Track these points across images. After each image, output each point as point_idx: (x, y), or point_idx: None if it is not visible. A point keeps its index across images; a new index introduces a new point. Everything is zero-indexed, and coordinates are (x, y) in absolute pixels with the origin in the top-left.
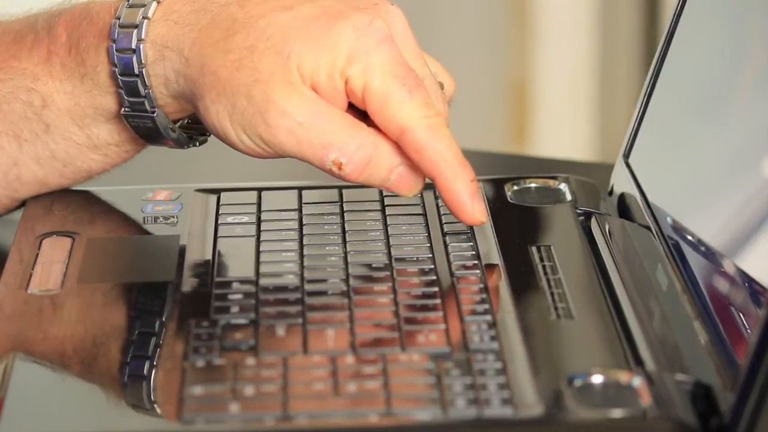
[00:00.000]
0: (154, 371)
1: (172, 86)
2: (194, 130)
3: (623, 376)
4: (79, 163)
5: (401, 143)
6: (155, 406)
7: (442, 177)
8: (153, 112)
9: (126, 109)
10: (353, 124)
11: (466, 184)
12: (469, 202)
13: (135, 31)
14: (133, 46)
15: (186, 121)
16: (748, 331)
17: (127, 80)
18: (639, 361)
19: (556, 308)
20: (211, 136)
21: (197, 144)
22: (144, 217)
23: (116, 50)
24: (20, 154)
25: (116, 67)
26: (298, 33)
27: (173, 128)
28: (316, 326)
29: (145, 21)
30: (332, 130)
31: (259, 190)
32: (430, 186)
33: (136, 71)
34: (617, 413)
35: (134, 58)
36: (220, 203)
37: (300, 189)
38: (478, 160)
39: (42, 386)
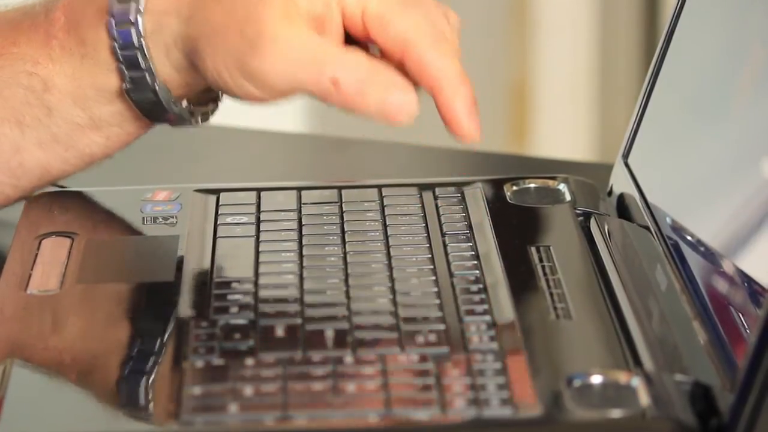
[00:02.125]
0: (153, 372)
1: (173, 54)
2: (198, 108)
3: (622, 377)
4: (82, 146)
5: (404, 59)
6: (154, 406)
7: (442, 94)
8: (155, 85)
9: (128, 85)
10: (349, 48)
11: (466, 102)
12: (466, 119)
13: (133, 3)
14: (132, 19)
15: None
16: (748, 331)
17: (128, 54)
18: (638, 362)
19: (555, 308)
20: (210, 119)
21: (200, 120)
22: (143, 218)
23: (115, 24)
24: (22, 139)
25: (116, 41)
26: None
27: (176, 102)
28: (315, 326)
29: None
30: (327, 48)
31: (259, 190)
32: (429, 186)
33: (136, 43)
34: (616, 413)
35: (133, 31)
36: (220, 203)
37: (299, 189)
38: (478, 160)
39: (41, 387)
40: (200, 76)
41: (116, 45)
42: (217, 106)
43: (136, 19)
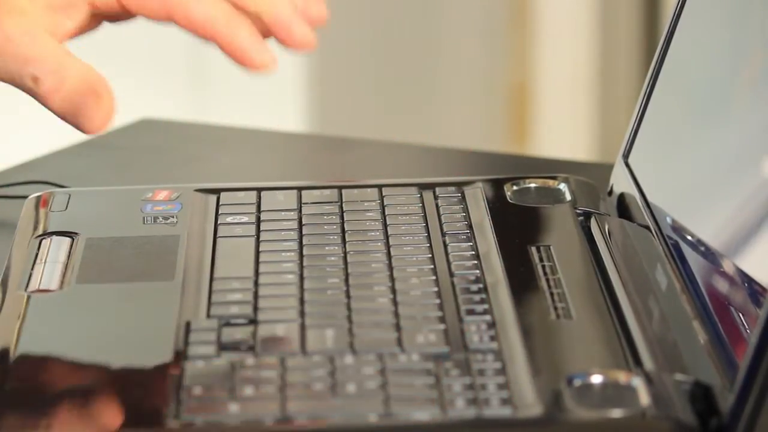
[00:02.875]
0: (153, 371)
1: None
2: None
3: (622, 376)
4: None
5: (173, 20)
6: (154, 406)
7: (220, 37)
8: None
9: None
10: (64, 52)
11: (247, 36)
12: (253, 48)
13: None
14: None
15: None
16: (748, 330)
17: None
18: (638, 361)
19: (555, 308)
20: None
21: None
22: (143, 217)
23: None
24: None
25: None
26: None
27: None
28: (315, 326)
29: None
30: (41, 47)
31: (259, 190)
32: (429, 186)
33: None
34: (616, 413)
35: None
36: (220, 203)
37: (299, 189)
38: (477, 160)
39: (41, 386)
40: None
41: None
42: None
43: None
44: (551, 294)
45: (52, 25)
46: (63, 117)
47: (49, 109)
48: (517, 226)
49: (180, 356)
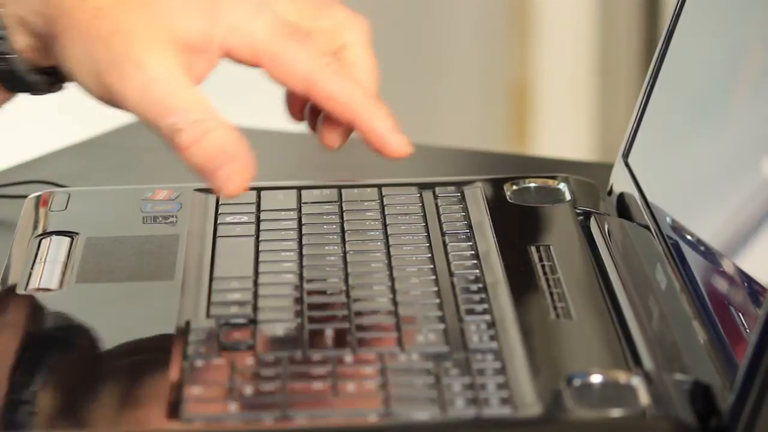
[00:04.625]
0: (153, 371)
1: (29, 27)
2: (53, 77)
3: (622, 376)
4: None
5: (310, 96)
6: (155, 405)
7: (359, 119)
8: (11, 55)
9: None
10: (204, 99)
11: (385, 120)
12: (392, 136)
13: None
14: None
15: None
16: (747, 330)
17: None
18: (638, 361)
19: (555, 308)
20: (66, 87)
21: (55, 90)
22: (143, 217)
23: None
24: None
25: None
26: None
27: (32, 72)
28: (314, 326)
29: None
30: (182, 95)
31: (259, 189)
32: (429, 185)
33: None
34: (616, 413)
35: None
36: (220, 203)
37: (299, 189)
38: (478, 160)
39: (40, 386)
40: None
41: None
42: None
43: None
44: (551, 294)
45: (188, 67)
46: (197, 172)
47: (183, 160)
48: (517, 226)
49: (180, 356)
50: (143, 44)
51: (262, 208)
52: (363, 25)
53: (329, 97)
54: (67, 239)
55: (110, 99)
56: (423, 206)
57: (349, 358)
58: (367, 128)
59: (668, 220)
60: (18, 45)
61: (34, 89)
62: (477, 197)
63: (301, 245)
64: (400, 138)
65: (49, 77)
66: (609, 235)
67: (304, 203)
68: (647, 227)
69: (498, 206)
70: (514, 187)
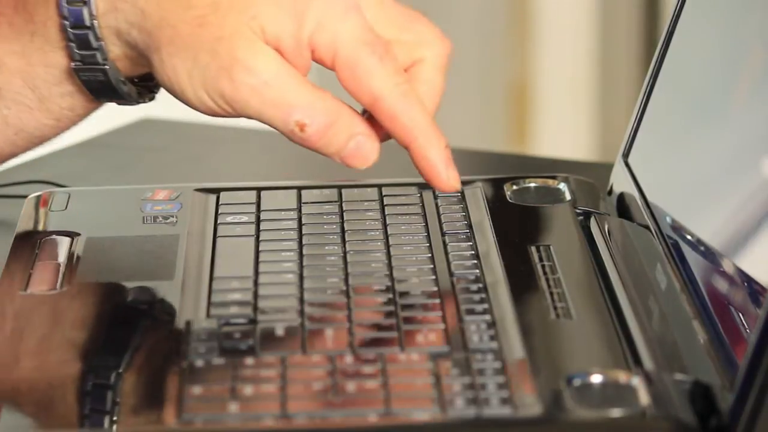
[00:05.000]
0: (153, 371)
1: (123, 38)
2: (144, 87)
3: (622, 376)
4: (32, 129)
5: (374, 111)
6: (155, 405)
7: (415, 144)
8: (105, 65)
9: (77, 63)
10: (318, 88)
11: (440, 151)
12: (444, 169)
13: None
14: None
15: (135, 80)
16: (747, 330)
17: (78, 33)
18: (638, 361)
19: (555, 308)
20: (155, 98)
21: (146, 100)
22: (143, 217)
23: (66, 2)
24: None
25: (66, 19)
26: None
27: (124, 81)
28: (315, 326)
29: None
30: (298, 90)
31: (259, 189)
32: (429, 185)
33: (87, 23)
34: (616, 413)
35: (85, 10)
36: (220, 203)
37: (299, 189)
38: (478, 160)
39: (40, 386)
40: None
41: (67, 23)
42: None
43: None
44: (551, 294)
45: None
46: (331, 156)
47: (314, 150)
48: (517, 226)
49: (180, 356)
50: (247, 48)
51: (262, 208)
52: (445, 47)
53: (392, 116)
54: (67, 239)
55: (223, 106)
56: (423, 206)
57: (348, 357)
58: (422, 155)
59: (668, 220)
60: (112, 56)
61: (125, 99)
62: (477, 197)
63: (301, 245)
64: (451, 173)
65: (138, 87)
66: (609, 235)
67: (304, 203)
68: (647, 227)
69: (498, 206)
70: (514, 187)
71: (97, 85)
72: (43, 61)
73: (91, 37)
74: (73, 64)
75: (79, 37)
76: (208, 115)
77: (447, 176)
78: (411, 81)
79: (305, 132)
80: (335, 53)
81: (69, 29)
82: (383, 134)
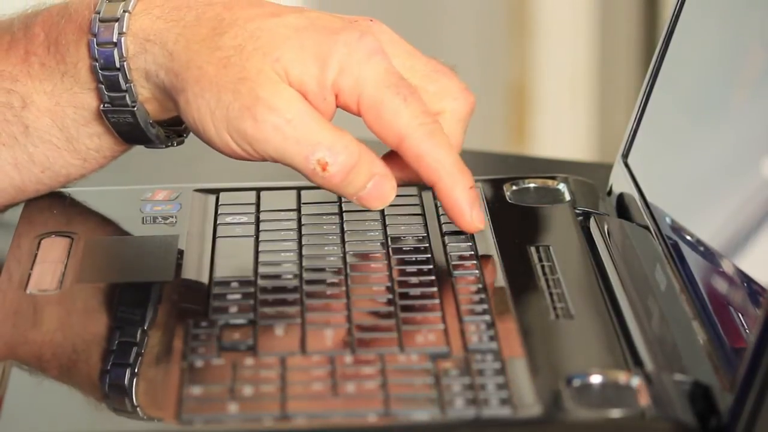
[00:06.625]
0: (153, 371)
1: (152, 80)
2: (172, 131)
3: (622, 376)
4: (58, 167)
5: (400, 151)
6: (154, 405)
7: (441, 183)
8: (134, 107)
9: (106, 105)
10: (339, 129)
11: (465, 192)
12: (468, 209)
13: (116, 24)
14: (115, 39)
15: (163, 124)
16: (747, 331)
17: (108, 74)
18: (638, 361)
19: (554, 308)
20: (184, 142)
21: (174, 144)
22: (143, 217)
23: (97, 44)
24: None
25: (97, 61)
26: (288, 40)
27: (152, 124)
28: (314, 326)
29: (126, 14)
30: (321, 129)
31: (258, 190)
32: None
33: (117, 65)
34: (616, 413)
35: (115, 51)
36: (219, 203)
37: (299, 189)
38: (477, 160)
39: (41, 386)
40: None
41: (97, 65)
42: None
43: (119, 40)
44: (551, 294)
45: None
46: (349, 197)
47: (333, 190)
48: (517, 226)
49: (179, 356)
50: (270, 88)
51: (261, 208)
52: (468, 102)
53: (418, 156)
54: (67, 239)
55: (245, 146)
56: (423, 206)
57: (348, 358)
58: (447, 195)
59: (668, 220)
60: (140, 98)
61: (153, 142)
62: None
63: (301, 245)
64: (476, 214)
65: (167, 130)
66: (608, 235)
67: (304, 203)
68: (647, 227)
69: (498, 206)
70: (514, 188)
71: (126, 126)
72: (73, 102)
73: (121, 79)
74: (102, 105)
75: (108, 79)
76: (231, 157)
77: (471, 217)
78: (438, 124)
79: (327, 171)
80: (360, 96)
81: (99, 71)
82: (407, 175)
